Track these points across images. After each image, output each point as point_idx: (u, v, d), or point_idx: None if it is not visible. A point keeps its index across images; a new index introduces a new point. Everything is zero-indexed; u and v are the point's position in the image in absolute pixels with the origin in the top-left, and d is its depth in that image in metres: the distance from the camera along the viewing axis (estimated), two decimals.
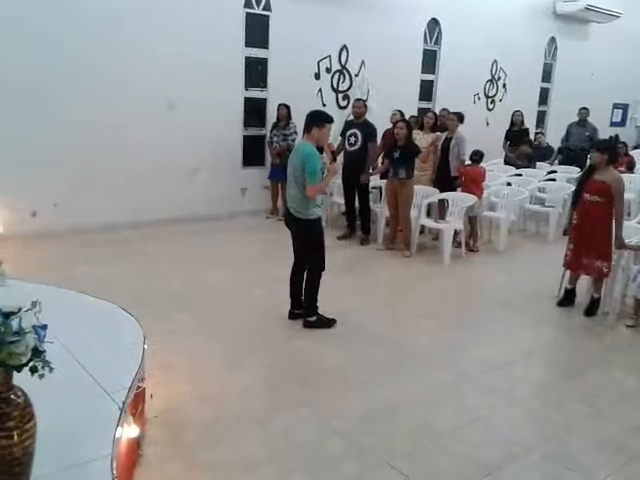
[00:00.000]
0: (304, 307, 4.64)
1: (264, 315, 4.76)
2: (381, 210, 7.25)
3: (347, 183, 7.36)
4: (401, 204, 6.74)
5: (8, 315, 1.71)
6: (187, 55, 7.39)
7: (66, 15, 6.50)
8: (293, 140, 8.04)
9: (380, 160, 7.60)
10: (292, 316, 4.72)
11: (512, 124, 9.73)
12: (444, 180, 7.07)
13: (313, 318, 4.60)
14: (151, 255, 6.35)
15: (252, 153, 8.51)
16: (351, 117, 8.08)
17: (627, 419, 3.54)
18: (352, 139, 7.20)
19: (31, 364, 1.73)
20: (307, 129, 4.43)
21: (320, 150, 4.83)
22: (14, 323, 1.68)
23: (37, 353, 1.73)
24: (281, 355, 4.15)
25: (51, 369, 1.74)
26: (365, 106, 7.44)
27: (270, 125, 8.38)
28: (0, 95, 6.25)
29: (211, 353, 4.09)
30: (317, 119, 4.43)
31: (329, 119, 4.47)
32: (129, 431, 2.57)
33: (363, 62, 9.36)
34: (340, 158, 7.66)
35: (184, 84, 7.44)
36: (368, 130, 7.17)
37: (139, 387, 2.84)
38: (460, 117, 7.26)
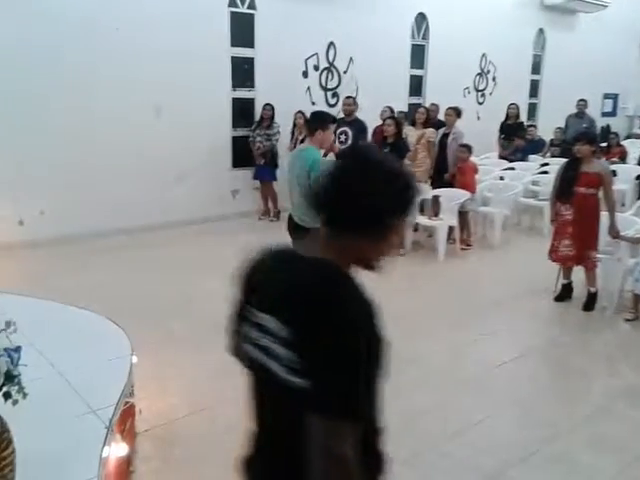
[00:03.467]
0: None
1: None
2: None
3: None
4: None
5: None
6: (173, 57, 7.27)
7: (51, 21, 6.37)
8: (277, 140, 7.98)
9: None
10: None
11: (507, 117, 9.66)
12: (442, 176, 6.97)
13: None
14: (141, 262, 6.23)
15: (242, 154, 8.38)
16: (341, 115, 8.00)
17: (630, 417, 3.46)
18: (342, 137, 7.10)
19: (4, 390, 1.63)
20: (310, 132, 4.20)
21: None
22: None
23: (10, 378, 1.63)
24: None
25: (25, 395, 1.64)
26: (355, 103, 7.35)
27: None
28: None
29: (203, 362, 3.97)
30: (321, 120, 4.19)
31: (332, 119, 4.26)
32: (117, 449, 2.47)
33: (351, 59, 9.26)
34: None
35: (171, 87, 7.32)
36: (359, 128, 7.08)
37: (127, 402, 2.74)
38: (457, 112, 7.13)
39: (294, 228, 4.37)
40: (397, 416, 3.36)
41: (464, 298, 5.49)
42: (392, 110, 7.82)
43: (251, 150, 8.28)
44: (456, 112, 7.07)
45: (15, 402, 1.63)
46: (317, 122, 4.21)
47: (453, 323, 4.81)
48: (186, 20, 7.30)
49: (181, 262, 6.24)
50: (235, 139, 8.33)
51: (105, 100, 6.87)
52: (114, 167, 7.07)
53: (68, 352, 3.02)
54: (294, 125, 7.98)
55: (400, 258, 6.56)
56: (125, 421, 2.69)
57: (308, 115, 4.97)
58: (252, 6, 8.02)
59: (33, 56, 6.31)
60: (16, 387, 1.66)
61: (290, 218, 4.41)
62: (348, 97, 7.56)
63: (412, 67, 10.37)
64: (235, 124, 8.27)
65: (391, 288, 5.58)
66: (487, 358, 4.16)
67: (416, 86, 10.56)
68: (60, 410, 2.50)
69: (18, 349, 1.66)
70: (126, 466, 2.70)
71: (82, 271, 5.78)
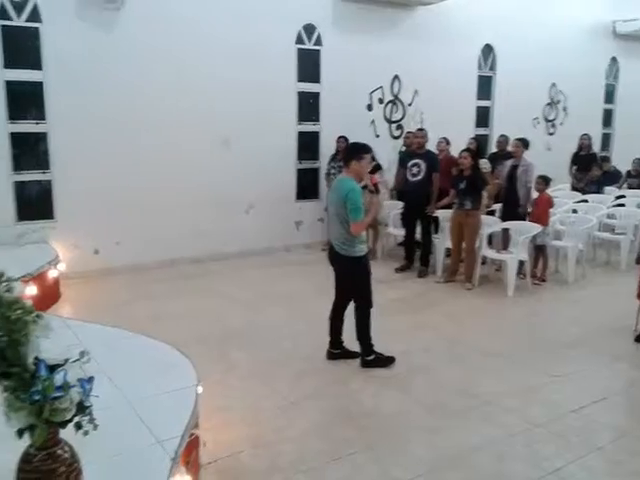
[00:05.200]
0: (360, 346, 4.46)
1: (321, 354, 4.60)
2: (440, 241, 7.02)
3: (409, 214, 7.17)
4: (467, 236, 6.48)
5: (53, 368, 1.64)
6: (243, 91, 7.51)
7: (132, 61, 6.76)
8: None
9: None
10: (331, 356, 4.54)
11: (580, 148, 9.36)
12: (511, 209, 6.78)
13: (371, 357, 4.42)
14: (208, 290, 6.35)
15: (306, 186, 8.50)
16: (404, 147, 7.98)
17: None
18: (415, 169, 7.02)
19: (75, 420, 1.66)
20: (346, 163, 4.29)
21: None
22: (59, 377, 1.61)
23: (82, 408, 1.66)
24: (338, 397, 3.98)
25: (96, 426, 1.66)
26: (426, 135, 7.26)
27: (323, 157, 8.39)
28: (61, 140, 6.52)
29: (267, 395, 3.96)
30: (355, 151, 4.28)
31: (367, 149, 4.31)
32: None
33: (416, 91, 9.26)
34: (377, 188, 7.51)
35: (240, 121, 7.56)
36: (432, 160, 6.99)
37: (192, 434, 2.74)
38: (525, 143, 6.97)
39: (335, 256, 4.35)
40: (464, 459, 3.22)
41: (535, 336, 5.24)
42: (448, 141, 7.74)
43: (315, 182, 8.34)
44: (523, 143, 6.91)
45: (86, 433, 1.65)
46: (352, 153, 4.28)
47: (523, 363, 4.57)
48: (255, 56, 7.54)
49: (246, 292, 6.31)
50: (300, 171, 8.44)
51: (177, 133, 7.15)
52: (184, 199, 7.31)
53: (137, 381, 3.09)
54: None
55: (467, 293, 6.38)
56: (190, 453, 2.70)
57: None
58: (318, 42, 8.19)
59: (113, 95, 6.68)
60: (87, 418, 1.68)
61: (331, 247, 4.41)
62: (420, 129, 7.46)
63: (479, 98, 10.24)
64: (300, 157, 8.39)
65: (457, 323, 5.44)
66: (562, 401, 3.92)
67: (483, 117, 10.40)
68: (128, 440, 2.54)
69: (90, 380, 1.69)
70: None
71: (152, 299, 5.95)
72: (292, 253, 8.06)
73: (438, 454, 3.28)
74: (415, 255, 7.27)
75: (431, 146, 7.52)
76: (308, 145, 8.45)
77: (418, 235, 7.22)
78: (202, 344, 4.70)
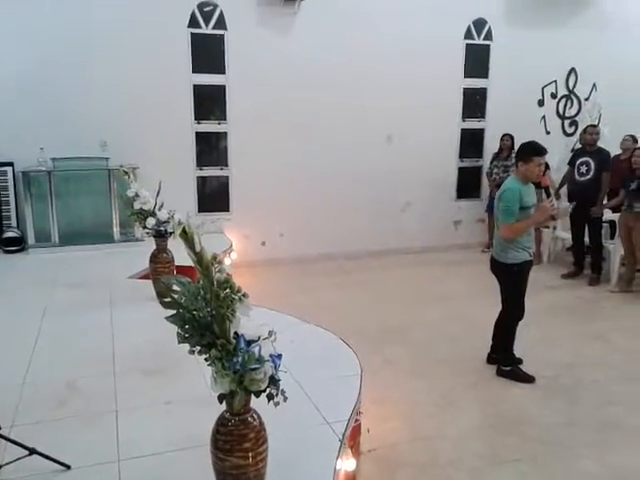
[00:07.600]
0: (500, 353, 4.32)
1: (475, 357, 4.50)
2: (615, 247, 6.48)
3: (576, 216, 6.71)
4: (637, 240, 5.95)
5: (250, 343, 1.83)
6: (405, 89, 7.54)
7: (305, 63, 7.10)
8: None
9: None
10: (490, 360, 4.41)
11: None
12: None
13: (507, 368, 4.22)
14: (364, 285, 6.51)
15: (467, 185, 8.30)
16: (579, 145, 7.46)
17: None
18: (583, 168, 6.58)
19: (268, 391, 1.83)
20: (515, 165, 4.12)
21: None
22: (255, 351, 1.79)
23: (273, 381, 1.82)
24: (498, 402, 3.87)
25: (285, 398, 1.82)
26: (599, 132, 6.75)
27: (487, 156, 8.14)
28: (237, 139, 7.07)
29: (424, 392, 3.98)
30: (523, 152, 4.03)
31: (537, 151, 3.97)
32: (348, 464, 2.58)
33: (594, 85, 8.59)
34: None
35: (402, 118, 7.61)
36: (603, 158, 6.52)
37: (357, 420, 2.86)
38: None
39: (491, 260, 4.25)
40: None
41: None
42: (635, 139, 7.06)
43: (477, 181, 8.13)
44: None
45: (276, 404, 1.82)
46: (519, 154, 4.08)
47: None
48: (421, 52, 7.50)
49: (401, 290, 6.36)
50: (461, 170, 8.27)
51: (342, 131, 7.40)
52: (344, 195, 7.56)
53: (305, 364, 3.27)
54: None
55: None
56: (354, 437, 2.82)
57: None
58: (488, 37, 7.94)
59: (285, 97, 7.10)
60: (276, 390, 1.84)
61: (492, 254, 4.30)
62: (593, 126, 6.92)
63: None
64: (462, 155, 8.22)
65: (631, 338, 4.98)
66: None
67: None
68: (299, 418, 2.71)
69: (280, 356, 1.86)
70: None
71: (312, 290, 6.25)
72: (449, 253, 7.93)
73: (613, 474, 3.07)
74: (585, 261, 6.78)
75: (614, 144, 6.97)
76: (471, 142, 8.24)
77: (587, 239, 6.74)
78: (359, 336, 4.80)
